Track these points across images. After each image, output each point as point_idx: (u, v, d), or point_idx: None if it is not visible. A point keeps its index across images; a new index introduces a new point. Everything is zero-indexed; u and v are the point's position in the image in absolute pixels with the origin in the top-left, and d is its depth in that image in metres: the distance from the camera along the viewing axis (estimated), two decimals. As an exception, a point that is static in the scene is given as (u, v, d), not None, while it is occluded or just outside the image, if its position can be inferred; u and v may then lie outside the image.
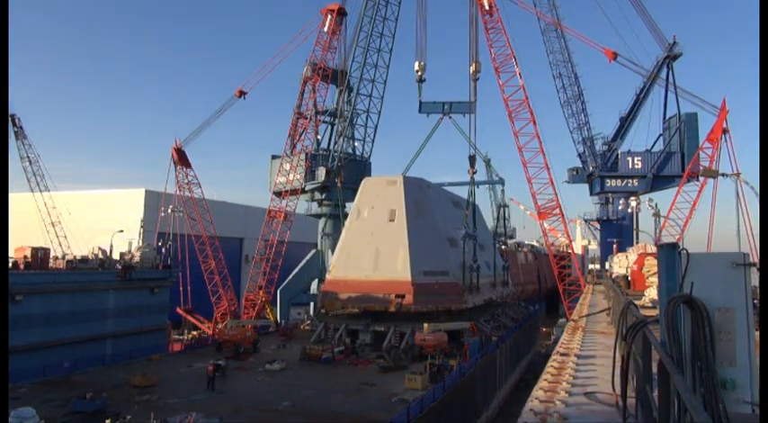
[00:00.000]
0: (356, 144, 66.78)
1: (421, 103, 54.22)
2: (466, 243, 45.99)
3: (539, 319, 66.51)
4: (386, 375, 34.27)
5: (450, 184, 57.24)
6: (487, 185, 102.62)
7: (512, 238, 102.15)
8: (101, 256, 48.31)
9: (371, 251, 44.26)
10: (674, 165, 66.96)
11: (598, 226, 79.72)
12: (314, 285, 61.34)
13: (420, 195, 47.12)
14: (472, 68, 48.35)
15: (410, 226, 44.14)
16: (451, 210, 52.10)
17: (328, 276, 46.61)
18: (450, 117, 53.46)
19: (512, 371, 45.42)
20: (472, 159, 48.07)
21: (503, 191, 74.20)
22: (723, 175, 38.72)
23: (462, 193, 54.13)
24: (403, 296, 41.97)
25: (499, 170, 68.20)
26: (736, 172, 39.38)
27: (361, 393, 30.43)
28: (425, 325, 38.98)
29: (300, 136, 64.20)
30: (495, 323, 49.27)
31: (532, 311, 65.34)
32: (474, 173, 48.33)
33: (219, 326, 49.14)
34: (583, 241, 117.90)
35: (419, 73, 53.00)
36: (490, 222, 74.73)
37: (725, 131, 48.16)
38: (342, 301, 45.23)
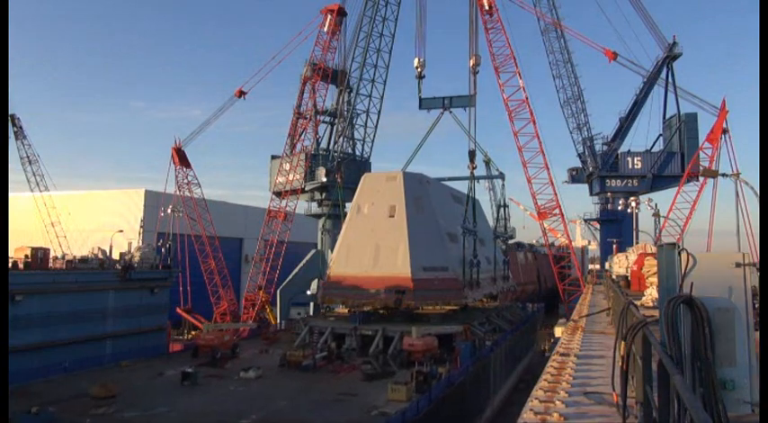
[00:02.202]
0: (356, 144, 66.86)
1: (421, 99, 54.08)
2: (466, 238, 45.81)
3: (537, 320, 64.22)
4: (370, 384, 31.89)
5: (450, 179, 57.05)
6: (487, 186, 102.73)
7: (512, 238, 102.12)
8: (100, 256, 48.32)
9: (371, 247, 44.10)
10: (674, 165, 67.03)
11: (598, 226, 79.79)
12: (314, 285, 61.33)
13: (420, 191, 47.02)
14: (472, 62, 48.37)
15: (410, 221, 43.98)
16: (452, 205, 51.90)
17: (328, 272, 46.52)
18: (450, 112, 53.35)
19: (507, 377, 43.08)
20: (472, 154, 47.93)
21: (503, 186, 74.26)
22: (723, 175, 38.74)
23: (462, 187, 53.95)
24: (403, 292, 41.75)
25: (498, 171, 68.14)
26: (735, 172, 39.41)
27: (339, 405, 28.08)
28: (413, 328, 36.98)
29: (300, 136, 64.21)
30: (490, 326, 47.36)
31: (530, 313, 63.09)
32: (474, 168, 48.20)
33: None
34: (583, 241, 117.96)
35: (419, 69, 52.94)
36: (490, 222, 74.72)
37: (725, 131, 48.22)
38: (341, 296, 45.16)
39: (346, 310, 46.82)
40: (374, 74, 63.77)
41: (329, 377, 33.88)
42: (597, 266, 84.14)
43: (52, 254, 47.73)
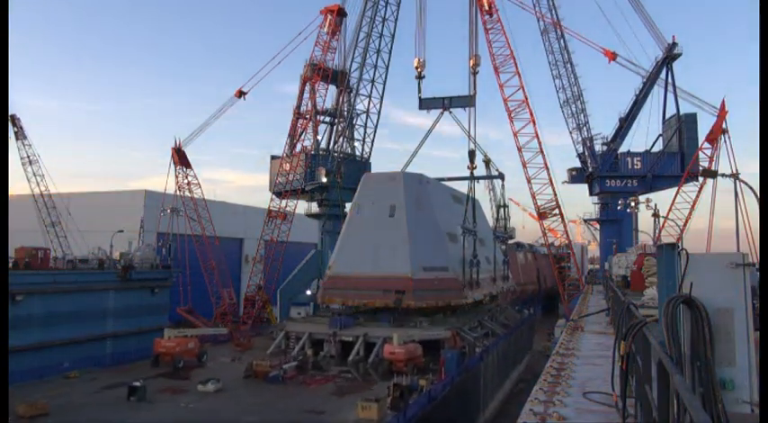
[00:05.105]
0: (356, 144, 66.89)
1: (421, 99, 54.09)
2: (466, 238, 45.72)
3: (534, 323, 61.55)
4: (342, 399, 28.61)
5: (450, 179, 57.04)
6: (487, 187, 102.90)
7: (511, 238, 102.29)
8: (101, 256, 48.34)
9: (371, 247, 44.01)
10: (674, 165, 67.02)
11: (598, 226, 79.82)
12: (313, 285, 61.37)
13: (420, 190, 47.04)
14: (471, 62, 48.54)
15: (410, 221, 43.91)
16: (452, 205, 51.87)
17: (328, 272, 46.47)
18: (450, 112, 53.35)
19: (500, 387, 39.65)
20: (472, 154, 47.93)
21: (503, 186, 74.13)
22: (722, 175, 38.69)
23: (462, 187, 53.92)
24: (403, 292, 41.55)
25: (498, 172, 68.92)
26: (734, 172, 39.35)
27: None
28: (395, 335, 34.09)
29: (300, 136, 64.18)
30: (482, 330, 44.55)
31: (526, 316, 60.53)
32: (474, 168, 48.20)
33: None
34: (582, 242, 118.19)
35: (418, 70, 52.94)
36: (490, 222, 74.73)
37: (724, 132, 48.16)
38: (341, 296, 45.07)
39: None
40: (374, 74, 63.85)
41: (299, 390, 30.54)
42: (597, 266, 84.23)
43: (52, 254, 47.75)
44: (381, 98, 65.20)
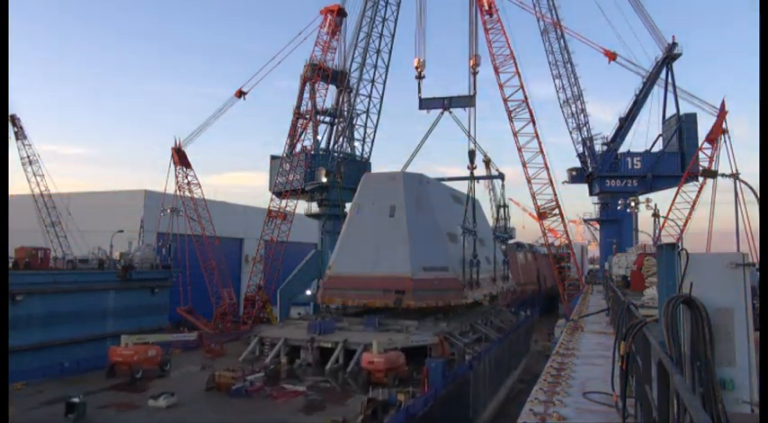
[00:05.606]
0: (356, 144, 66.90)
1: (421, 99, 54.09)
2: (466, 238, 45.68)
3: (532, 326, 59.68)
4: (310, 416, 25.23)
5: (450, 179, 57.03)
6: (487, 187, 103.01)
7: (511, 238, 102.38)
8: (101, 256, 48.40)
9: (371, 247, 43.92)
10: (674, 165, 67.02)
11: (598, 226, 79.87)
12: (313, 285, 61.34)
13: (420, 191, 47.03)
14: (471, 62, 48.62)
15: (410, 221, 43.84)
16: (452, 205, 51.81)
17: (328, 272, 46.42)
18: (450, 112, 53.35)
19: (493, 395, 36.79)
20: (472, 154, 47.91)
21: (503, 186, 74.08)
22: (722, 175, 38.71)
23: (462, 187, 53.87)
24: (403, 292, 41.41)
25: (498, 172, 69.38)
26: (734, 172, 39.40)
27: None
28: (374, 341, 30.68)
29: (300, 136, 64.17)
30: (474, 335, 41.90)
31: (523, 318, 58.40)
32: (474, 168, 48.19)
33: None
34: (582, 242, 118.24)
35: (418, 70, 52.94)
36: (490, 222, 74.69)
37: (724, 132, 48.21)
38: (341, 296, 45.02)
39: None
40: (374, 74, 63.84)
41: (264, 405, 27.00)
42: (597, 266, 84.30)
43: (52, 254, 47.81)
44: (381, 98, 65.28)
